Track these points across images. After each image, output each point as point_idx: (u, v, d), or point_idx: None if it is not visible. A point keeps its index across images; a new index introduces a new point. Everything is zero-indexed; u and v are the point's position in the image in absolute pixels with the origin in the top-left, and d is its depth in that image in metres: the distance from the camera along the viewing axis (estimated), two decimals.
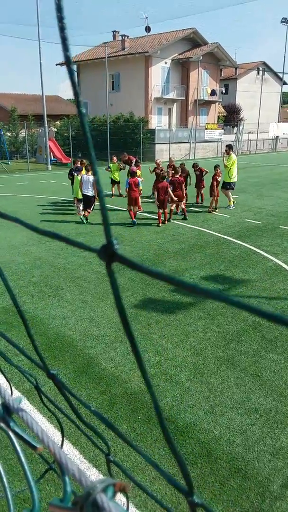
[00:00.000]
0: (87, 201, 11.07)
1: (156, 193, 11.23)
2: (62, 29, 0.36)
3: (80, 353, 4.78)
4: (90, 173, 11.04)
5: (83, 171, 11.78)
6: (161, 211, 10.73)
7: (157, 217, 10.92)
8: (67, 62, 0.38)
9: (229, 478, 3.09)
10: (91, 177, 10.81)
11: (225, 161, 12.84)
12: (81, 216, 11.01)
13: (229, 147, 13.12)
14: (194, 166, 13.34)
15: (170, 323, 5.50)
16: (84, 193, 11.09)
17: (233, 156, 12.91)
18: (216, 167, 12.51)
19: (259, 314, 0.36)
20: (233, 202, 13.15)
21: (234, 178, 12.93)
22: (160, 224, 10.75)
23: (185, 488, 0.49)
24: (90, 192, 10.92)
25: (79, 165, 12.54)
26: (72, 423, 0.88)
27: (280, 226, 10.54)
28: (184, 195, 11.52)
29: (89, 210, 11.08)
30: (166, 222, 10.93)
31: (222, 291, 6.56)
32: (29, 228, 0.52)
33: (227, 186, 12.89)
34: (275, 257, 8.12)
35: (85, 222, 10.88)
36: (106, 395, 4.03)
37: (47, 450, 0.55)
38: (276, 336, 5.15)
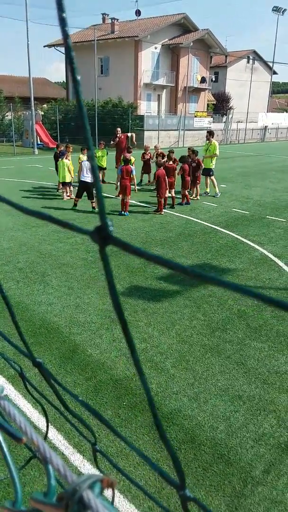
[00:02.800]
0: (86, 188, 10.56)
1: (155, 181, 11.07)
2: (60, 7, 0.34)
3: (65, 339, 4.76)
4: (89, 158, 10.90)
5: (83, 157, 11.64)
6: (161, 199, 10.67)
7: (148, 205, 10.86)
8: (66, 41, 0.36)
9: (212, 464, 3.13)
10: (88, 163, 10.61)
11: (206, 148, 12.85)
12: (92, 208, 10.64)
13: (210, 134, 13.12)
14: (190, 152, 12.77)
15: (156, 310, 5.51)
16: (83, 179, 10.58)
17: (216, 142, 12.93)
18: (194, 152, 12.43)
19: (258, 298, 0.35)
20: (208, 190, 13.21)
21: (214, 165, 13.00)
22: (162, 212, 10.68)
23: (177, 482, 0.48)
24: (89, 179, 10.39)
25: (63, 149, 12.36)
26: (57, 411, 0.86)
27: (267, 216, 10.61)
28: (174, 183, 11.46)
29: (77, 199, 10.75)
30: (161, 212, 10.75)
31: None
32: (24, 211, 0.49)
33: (209, 172, 12.93)
34: (261, 246, 8.18)
35: (95, 210, 10.51)
36: (91, 382, 4.04)
37: (38, 431, 0.53)
38: (260, 325, 5.21)
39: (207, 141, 13.14)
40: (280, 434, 3.44)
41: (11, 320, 0.66)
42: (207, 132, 13.36)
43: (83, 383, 4.01)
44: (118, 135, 14.99)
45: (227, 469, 3.08)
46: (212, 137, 13.06)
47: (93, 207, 10.67)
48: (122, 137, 15.05)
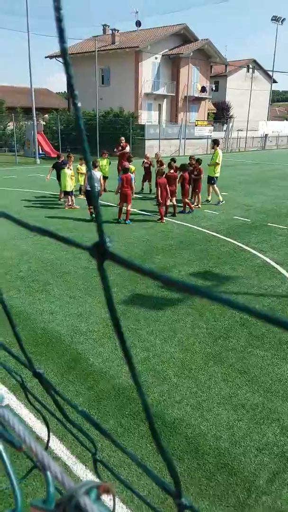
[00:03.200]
0: (87, 197, 10.98)
1: (157, 189, 11.09)
2: (59, 19, 0.35)
3: (67, 348, 4.75)
4: (97, 169, 11.03)
5: (81, 167, 11.75)
6: (162, 208, 10.71)
7: (149, 213, 10.88)
8: (63, 53, 0.36)
9: (216, 473, 3.11)
10: (98, 174, 10.66)
11: (212, 157, 12.97)
12: (89, 214, 10.79)
13: (215, 142, 13.19)
14: (192, 161, 12.75)
15: (158, 319, 5.50)
16: (87, 189, 11.09)
17: (219, 151, 12.98)
18: (198, 160, 12.50)
19: (246, 311, 0.35)
20: (209, 198, 13.29)
21: (218, 173, 13.05)
22: (163, 221, 10.71)
23: (173, 490, 0.48)
24: (96, 188, 10.72)
25: (64, 159, 12.53)
26: (59, 421, 0.86)
27: (268, 224, 10.62)
28: (176, 191, 11.49)
29: (91, 207, 10.81)
30: (163, 220, 10.76)
31: (211, 287, 6.59)
32: (28, 228, 0.50)
33: (211, 181, 13.03)
34: (263, 254, 8.18)
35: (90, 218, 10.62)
36: (93, 391, 4.02)
37: (38, 440, 0.54)
38: (263, 333, 5.19)
39: (212, 150, 13.23)
40: (284, 443, 3.41)
41: (12, 331, 0.67)
42: (212, 141, 13.44)
43: (85, 393, 3.99)
44: (122, 144, 15.10)
45: (230, 479, 3.05)
46: (217, 146, 13.11)
47: (91, 213, 10.77)
48: (124, 145, 15.17)
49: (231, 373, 4.37)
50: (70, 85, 0.37)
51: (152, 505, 0.75)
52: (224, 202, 13.16)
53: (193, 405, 3.86)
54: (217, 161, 12.88)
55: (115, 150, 15.26)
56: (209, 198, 13.33)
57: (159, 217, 10.79)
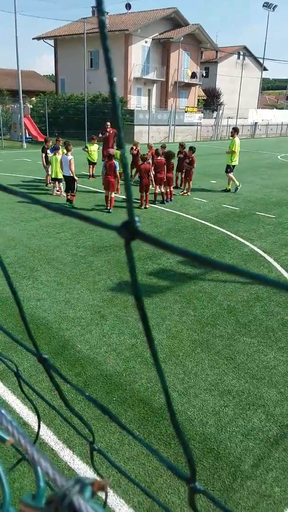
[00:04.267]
0: (69, 183, 10.57)
1: (138, 175, 11.00)
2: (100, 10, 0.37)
3: (55, 335, 4.72)
4: (69, 153, 10.42)
5: (63, 151, 11.42)
6: (143, 194, 10.61)
7: (138, 200, 10.79)
8: (102, 25, 0.38)
9: (202, 458, 3.15)
10: (69, 157, 10.29)
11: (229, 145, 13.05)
12: (66, 202, 10.54)
13: (235, 130, 13.10)
14: (180, 148, 12.71)
15: (147, 306, 5.50)
16: (64, 174, 10.59)
17: (237, 139, 12.93)
18: (191, 148, 12.43)
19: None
20: (230, 187, 13.42)
21: (236, 162, 13.14)
22: (142, 207, 10.65)
23: (186, 475, 0.49)
24: (67, 173, 10.39)
25: (56, 144, 12.25)
26: (48, 409, 0.84)
27: (257, 212, 10.66)
28: (165, 179, 11.38)
29: (73, 193, 10.61)
30: (147, 206, 10.73)
31: (199, 275, 6.61)
32: (43, 205, 0.52)
33: (227, 169, 13.14)
34: (251, 242, 8.22)
35: (68, 206, 10.35)
36: (81, 377, 4.02)
37: (28, 433, 0.52)
38: (250, 320, 5.24)
39: (231, 137, 13.15)
40: (269, 428, 3.47)
41: (20, 316, 0.66)
42: (232, 128, 13.42)
43: (72, 379, 3.99)
44: (107, 130, 14.82)
45: (216, 464, 3.10)
46: (237, 134, 13.06)
47: (70, 200, 10.57)
48: (111, 132, 14.87)
49: (218, 359, 4.41)
50: (107, 59, 0.38)
51: (148, 491, 0.74)
52: (241, 186, 13.26)
53: (180, 391, 3.89)
54: (233, 149, 12.87)
55: (99, 135, 14.87)
56: (229, 187, 13.36)
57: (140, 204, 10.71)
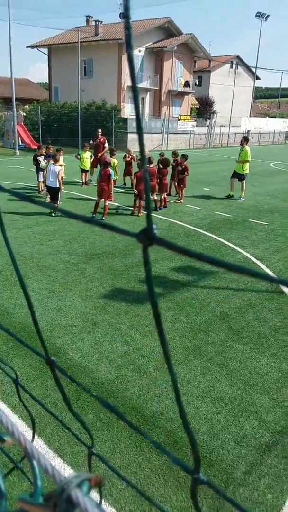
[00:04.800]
0: (53, 193, 10.41)
1: (134, 183, 11.01)
2: (126, 9, 0.38)
3: (46, 343, 4.68)
4: (57, 163, 10.30)
5: (50, 160, 11.41)
6: (137, 200, 10.65)
7: (130, 207, 10.81)
8: (128, 40, 0.40)
9: None
10: (57, 167, 10.15)
11: (239, 153, 13.20)
12: (50, 212, 10.32)
13: (245, 139, 13.26)
14: (174, 156, 12.78)
15: (139, 313, 5.50)
16: (48, 185, 10.37)
17: (247, 148, 13.06)
18: (183, 156, 12.52)
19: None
20: (242, 195, 13.59)
21: (247, 170, 13.31)
22: (134, 212, 10.67)
23: (190, 467, 0.52)
24: (54, 184, 10.22)
25: (50, 151, 12.30)
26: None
27: (249, 220, 10.73)
28: (158, 186, 11.44)
29: (56, 204, 10.40)
30: (140, 213, 10.74)
31: (192, 282, 6.62)
32: (80, 219, 0.55)
33: (241, 177, 13.26)
34: (244, 249, 8.27)
35: (53, 215, 10.16)
36: (72, 385, 3.99)
37: (15, 445, 0.53)
38: (242, 327, 5.25)
39: (240, 146, 13.29)
40: (261, 435, 3.47)
41: (31, 318, 0.68)
42: (242, 137, 13.59)
43: (64, 387, 3.94)
44: (98, 137, 14.95)
45: (208, 471, 3.08)
46: (246, 143, 13.21)
47: (52, 211, 10.20)
48: (102, 139, 14.97)
49: (210, 366, 4.40)
50: (132, 74, 0.40)
51: (149, 497, 0.74)
52: (244, 199, 13.37)
53: (173, 398, 3.87)
54: (248, 159, 13.05)
55: (91, 141, 15.03)
56: (242, 195, 13.49)
57: (132, 210, 10.75)
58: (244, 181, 13.42)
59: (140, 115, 0.41)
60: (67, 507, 0.40)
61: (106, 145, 14.99)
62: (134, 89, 0.40)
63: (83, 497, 0.40)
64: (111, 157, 12.41)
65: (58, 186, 10.21)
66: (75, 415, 0.71)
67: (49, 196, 11.90)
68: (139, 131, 0.41)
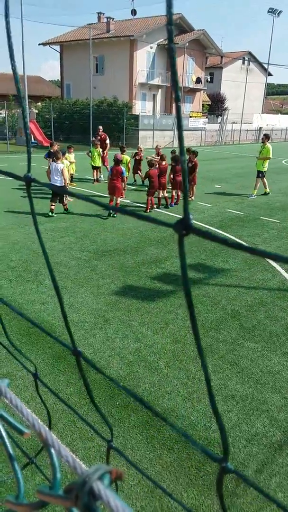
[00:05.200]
0: (56, 193, 9.82)
1: (146, 180, 11.01)
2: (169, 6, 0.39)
3: (59, 338, 4.73)
4: (59, 161, 10.02)
5: (69, 156, 11.42)
6: (150, 198, 10.65)
7: (143, 204, 10.81)
8: (170, 46, 0.39)
9: (205, 463, 3.14)
10: (60, 165, 9.89)
11: (260, 151, 13.27)
12: (64, 209, 10.17)
13: (266, 137, 13.25)
14: (188, 153, 12.73)
15: (150, 310, 5.51)
16: (53, 183, 9.71)
17: (269, 145, 13.09)
18: (193, 152, 12.43)
19: None
20: (267, 190, 13.74)
21: (266, 167, 13.31)
22: (148, 211, 10.68)
23: (218, 457, 0.53)
24: (58, 182, 9.85)
25: (62, 148, 12.33)
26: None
27: (261, 217, 10.65)
28: (171, 183, 11.44)
29: (65, 201, 10.13)
30: (147, 210, 10.75)
31: (203, 280, 6.60)
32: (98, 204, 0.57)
33: (259, 174, 13.29)
34: (255, 247, 8.21)
35: (50, 214, 9.87)
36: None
37: (33, 437, 0.54)
38: (254, 325, 5.23)
39: (262, 143, 13.28)
40: (273, 433, 3.46)
41: (60, 312, 0.69)
42: (264, 135, 13.57)
43: (76, 383, 3.99)
44: (100, 134, 15.05)
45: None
46: (268, 140, 13.21)
47: (65, 209, 10.23)
48: (103, 136, 15.07)
49: (221, 364, 4.40)
50: (173, 73, 0.41)
51: (165, 489, 0.75)
52: (256, 197, 13.36)
53: (184, 395, 3.88)
54: (269, 156, 13.06)
55: (93, 138, 15.21)
56: (267, 190, 13.62)
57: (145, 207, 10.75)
58: (264, 178, 13.43)
59: (180, 113, 0.42)
60: (89, 499, 0.40)
61: (107, 141, 15.02)
62: (176, 90, 0.41)
63: (105, 490, 0.40)
64: (121, 153, 12.39)
65: (63, 184, 9.96)
66: (97, 409, 0.72)
67: (66, 195, 11.96)
68: (180, 130, 0.42)
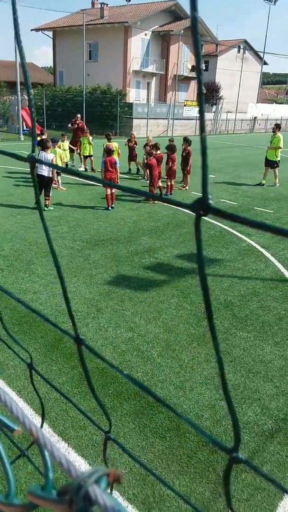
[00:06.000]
0: (44, 184, 9.20)
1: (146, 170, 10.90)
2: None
3: (51, 328, 4.71)
4: (49, 150, 9.36)
5: (63, 144, 11.25)
6: (153, 188, 10.58)
7: (133, 194, 10.72)
8: (195, 35, 0.40)
9: (197, 451, 3.16)
10: (49, 155, 9.22)
11: (271, 140, 13.22)
12: (45, 206, 9.39)
13: (277, 126, 13.25)
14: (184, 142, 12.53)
15: (143, 300, 5.50)
16: (40, 173, 9.05)
17: (280, 135, 13.03)
18: (187, 141, 12.29)
19: None
20: (276, 181, 13.66)
21: (279, 157, 13.32)
22: (151, 201, 10.60)
23: (227, 446, 0.52)
24: (46, 172, 9.10)
25: (55, 137, 12.17)
26: (68, 400, 0.83)
27: (255, 208, 10.65)
28: (166, 172, 11.37)
29: (48, 197, 9.39)
30: (151, 200, 10.65)
31: (196, 270, 6.60)
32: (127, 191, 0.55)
33: (273, 164, 13.29)
34: (249, 237, 8.22)
35: (45, 209, 9.35)
36: (77, 370, 4.02)
37: (24, 431, 0.51)
38: (246, 315, 5.25)
39: (273, 133, 13.25)
40: (264, 422, 3.49)
41: (63, 296, 0.68)
42: (275, 124, 13.55)
43: (68, 372, 3.99)
44: (77, 122, 14.90)
45: (211, 457, 3.11)
46: (279, 130, 13.17)
47: (46, 205, 9.43)
48: (81, 124, 14.92)
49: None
50: (197, 61, 0.41)
51: (159, 476, 0.74)
52: (278, 185, 13.44)
53: (176, 384, 3.90)
54: (279, 145, 13.02)
55: (69, 126, 15.12)
56: (276, 181, 13.55)
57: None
58: (277, 168, 13.38)
59: (203, 107, 0.41)
60: (85, 504, 0.37)
61: (85, 128, 14.48)
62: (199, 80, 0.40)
63: (102, 494, 0.37)
64: (109, 142, 12.16)
65: (50, 175, 9.31)
66: (96, 398, 0.70)
67: (53, 181, 11.79)
68: (201, 116, 0.42)
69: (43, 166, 8.99)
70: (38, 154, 9.14)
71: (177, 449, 3.17)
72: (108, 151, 9.82)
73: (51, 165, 0.65)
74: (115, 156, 10.21)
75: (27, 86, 0.56)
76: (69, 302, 0.67)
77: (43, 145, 9.50)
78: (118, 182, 10.45)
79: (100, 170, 10.33)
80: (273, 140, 13.21)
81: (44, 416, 3.37)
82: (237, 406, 3.66)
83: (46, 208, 9.39)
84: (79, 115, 15.30)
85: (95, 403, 3.57)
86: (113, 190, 10.05)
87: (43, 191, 9.26)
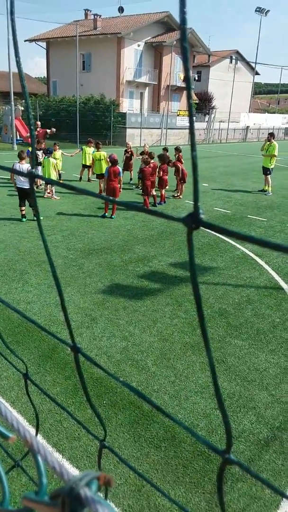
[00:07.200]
0: (25, 196, 9.01)
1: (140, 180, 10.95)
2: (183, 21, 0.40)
3: (45, 338, 4.69)
4: (23, 161, 9.01)
5: (56, 153, 11.28)
6: (147, 197, 10.61)
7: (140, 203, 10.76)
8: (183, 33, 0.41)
9: (192, 461, 3.14)
10: (25, 166, 8.90)
11: (266, 148, 13.44)
12: (34, 214, 9.08)
13: (271, 135, 13.56)
14: (177, 152, 12.62)
15: (138, 309, 5.49)
16: (19, 186, 9.00)
17: (276, 143, 13.35)
18: (176, 149, 12.45)
19: None
20: (269, 188, 13.96)
21: (273, 165, 13.58)
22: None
23: (220, 449, 0.53)
24: (26, 185, 8.74)
25: (49, 147, 12.22)
26: (63, 409, 0.83)
27: (248, 216, 10.71)
28: (156, 183, 11.42)
29: (23, 208, 9.21)
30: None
31: (190, 278, 6.61)
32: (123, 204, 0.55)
33: (267, 171, 13.59)
34: (242, 245, 8.26)
35: (24, 220, 9.18)
36: (71, 380, 3.99)
37: (19, 439, 0.52)
38: (241, 323, 5.25)
39: (268, 142, 13.53)
40: (260, 430, 3.48)
41: (61, 305, 0.69)
42: (269, 133, 13.86)
43: (62, 382, 3.96)
44: (37, 129, 15.06)
45: (207, 466, 3.09)
46: (273, 138, 13.48)
47: (34, 215, 9.14)
48: (40, 131, 15.05)
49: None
50: (186, 68, 0.42)
51: (159, 487, 0.74)
52: (271, 194, 13.71)
53: (171, 394, 3.88)
54: (274, 153, 13.28)
55: (27, 134, 15.45)
56: (267, 188, 13.87)
57: (143, 205, 10.71)
58: (269, 176, 13.68)
59: (192, 111, 0.43)
60: (76, 506, 0.39)
61: (46, 136, 14.75)
62: (188, 87, 0.41)
63: (92, 496, 0.39)
64: (97, 150, 12.28)
65: (30, 186, 9.14)
66: (92, 407, 0.71)
67: (47, 190, 11.82)
68: (191, 126, 0.43)
69: (21, 178, 8.81)
70: (13, 166, 8.72)
71: (173, 459, 3.15)
72: (113, 162, 9.76)
73: (45, 179, 0.66)
74: (104, 163, 10.37)
75: (26, 101, 0.57)
76: (66, 311, 0.68)
77: (18, 156, 9.18)
78: (121, 191, 10.43)
79: (94, 180, 10.38)
80: (269, 148, 13.44)
81: (38, 426, 3.34)
82: (232, 414, 3.64)
83: (24, 219, 9.26)
84: (39, 123, 15.50)
85: (90, 413, 3.55)
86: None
87: (29, 202, 9.05)
